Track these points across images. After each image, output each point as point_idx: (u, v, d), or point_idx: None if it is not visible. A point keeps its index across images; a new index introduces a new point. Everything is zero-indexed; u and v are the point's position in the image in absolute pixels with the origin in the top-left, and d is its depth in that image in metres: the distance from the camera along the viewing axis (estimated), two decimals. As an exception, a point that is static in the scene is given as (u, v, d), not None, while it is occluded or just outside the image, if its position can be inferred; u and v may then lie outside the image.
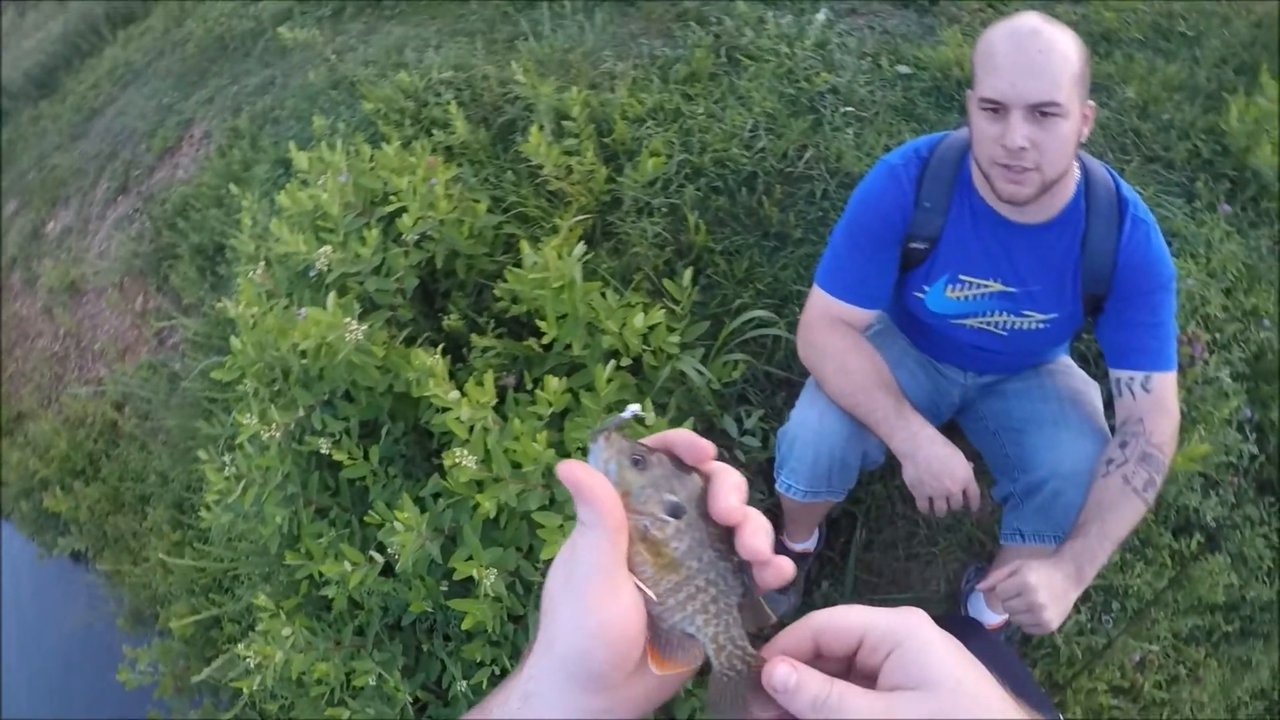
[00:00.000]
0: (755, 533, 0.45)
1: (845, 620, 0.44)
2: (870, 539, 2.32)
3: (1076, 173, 1.46)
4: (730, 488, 0.46)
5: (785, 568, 0.46)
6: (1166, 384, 1.48)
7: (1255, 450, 2.21)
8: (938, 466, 1.47)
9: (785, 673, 0.42)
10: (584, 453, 1.51)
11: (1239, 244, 2.55)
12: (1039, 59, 1.28)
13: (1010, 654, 1.83)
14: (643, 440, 0.48)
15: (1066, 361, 1.79)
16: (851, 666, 0.44)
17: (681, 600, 0.45)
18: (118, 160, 5.25)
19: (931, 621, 0.43)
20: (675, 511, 0.46)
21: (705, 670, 0.46)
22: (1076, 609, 2.15)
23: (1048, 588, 1.34)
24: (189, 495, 3.44)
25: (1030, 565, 1.36)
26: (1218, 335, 2.38)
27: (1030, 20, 1.32)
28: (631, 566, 0.45)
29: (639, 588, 0.44)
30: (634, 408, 0.53)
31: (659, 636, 0.45)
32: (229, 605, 2.88)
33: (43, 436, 4.41)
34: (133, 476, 3.92)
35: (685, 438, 0.48)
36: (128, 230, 4.66)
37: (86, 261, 4.99)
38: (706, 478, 0.47)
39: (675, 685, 0.46)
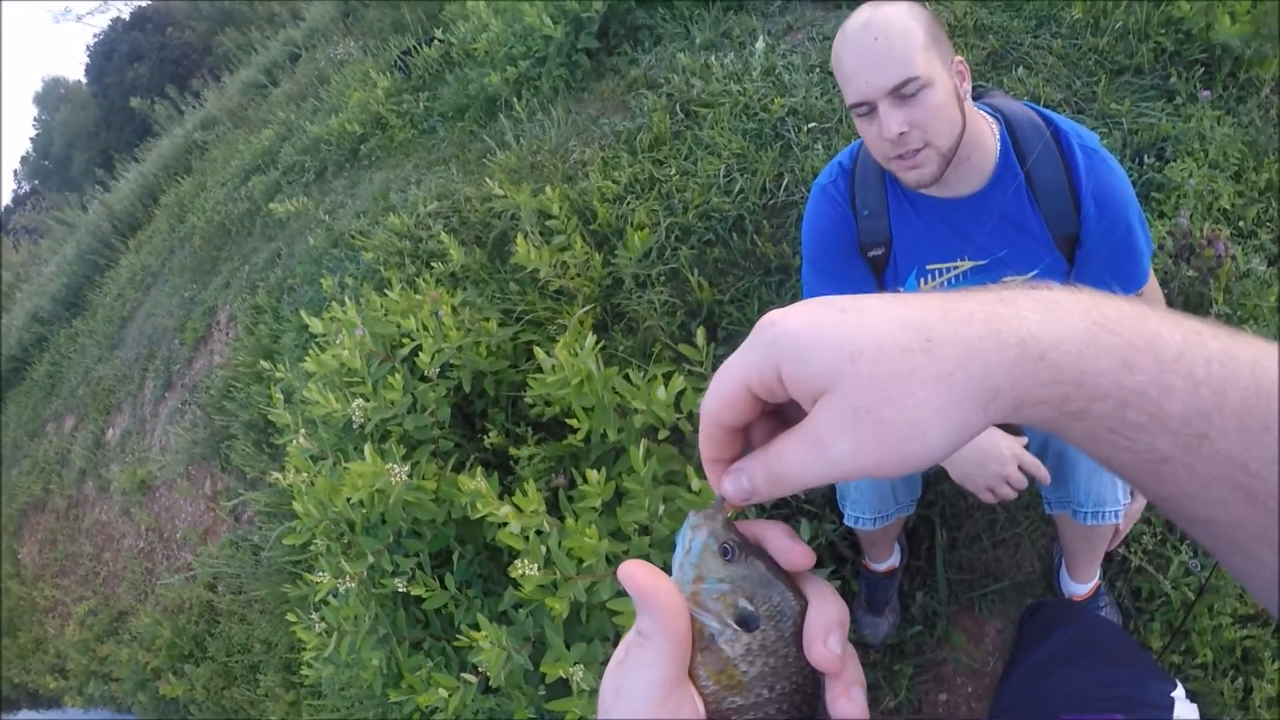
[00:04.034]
0: (850, 689, 0.40)
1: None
2: (953, 538, 2.30)
3: (995, 127, 1.43)
4: (831, 624, 0.40)
5: None
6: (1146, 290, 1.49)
7: (1311, 330, 2.14)
8: (979, 456, 1.45)
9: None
10: (641, 531, 1.53)
11: (1231, 125, 2.48)
12: (876, 47, 1.27)
13: (1109, 627, 1.78)
14: (739, 523, 0.43)
15: None
16: None
17: None
18: (157, 359, 5.53)
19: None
20: (747, 622, 0.40)
21: None
22: (1176, 550, 2.10)
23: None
24: (294, 656, 3.54)
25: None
26: (1240, 224, 2.30)
27: (860, 15, 1.30)
28: (690, 674, 0.40)
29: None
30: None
31: None
32: (354, 753, 2.95)
33: (145, 629, 4.57)
34: (238, 649, 4.05)
35: (782, 537, 0.42)
36: (181, 422, 4.89)
37: (150, 459, 5.24)
38: (804, 600, 0.41)
39: None
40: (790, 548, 0.42)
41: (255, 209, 5.10)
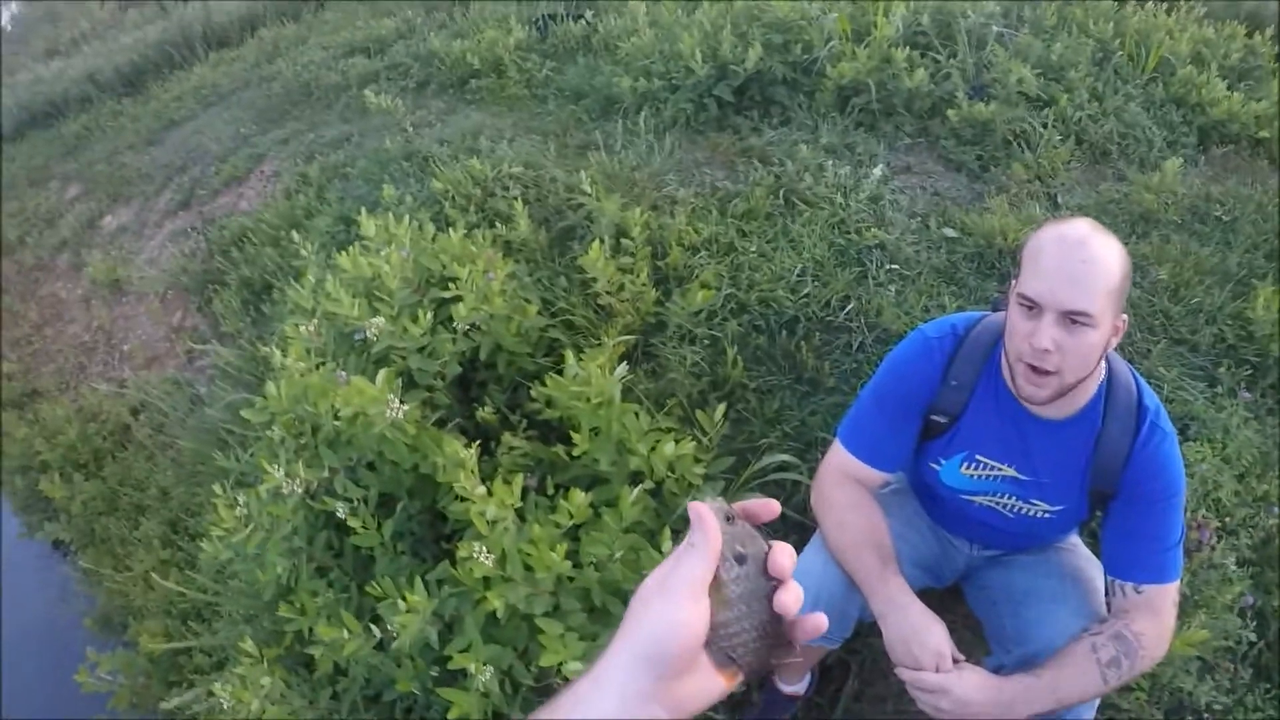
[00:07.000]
0: (790, 592, 0.60)
1: None
2: (861, 690, 2.30)
3: (1101, 373, 1.50)
4: (784, 554, 0.62)
5: (811, 625, 0.62)
6: (1161, 592, 1.48)
7: (1255, 637, 2.16)
8: (909, 634, 1.47)
9: None
10: (596, 566, 1.52)
11: (1255, 430, 2.57)
12: (1080, 269, 1.32)
13: None
14: (733, 504, 0.64)
15: (1074, 540, 1.81)
16: None
17: (730, 633, 0.59)
18: (186, 175, 5.46)
19: None
20: (741, 559, 0.60)
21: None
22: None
23: (962, 703, 1.38)
24: (185, 518, 3.47)
25: (963, 676, 1.40)
26: (1227, 520, 2.36)
27: (1081, 228, 1.36)
28: None
29: None
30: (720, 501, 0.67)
31: (711, 651, 0.59)
32: (205, 638, 2.88)
33: (54, 420, 4.44)
34: (133, 484, 3.95)
35: (760, 501, 0.64)
36: (182, 245, 4.81)
37: (135, 264, 5.14)
38: (770, 545, 0.62)
39: (707, 702, 0.59)
40: (767, 504, 0.64)
41: (345, 86, 5.07)
